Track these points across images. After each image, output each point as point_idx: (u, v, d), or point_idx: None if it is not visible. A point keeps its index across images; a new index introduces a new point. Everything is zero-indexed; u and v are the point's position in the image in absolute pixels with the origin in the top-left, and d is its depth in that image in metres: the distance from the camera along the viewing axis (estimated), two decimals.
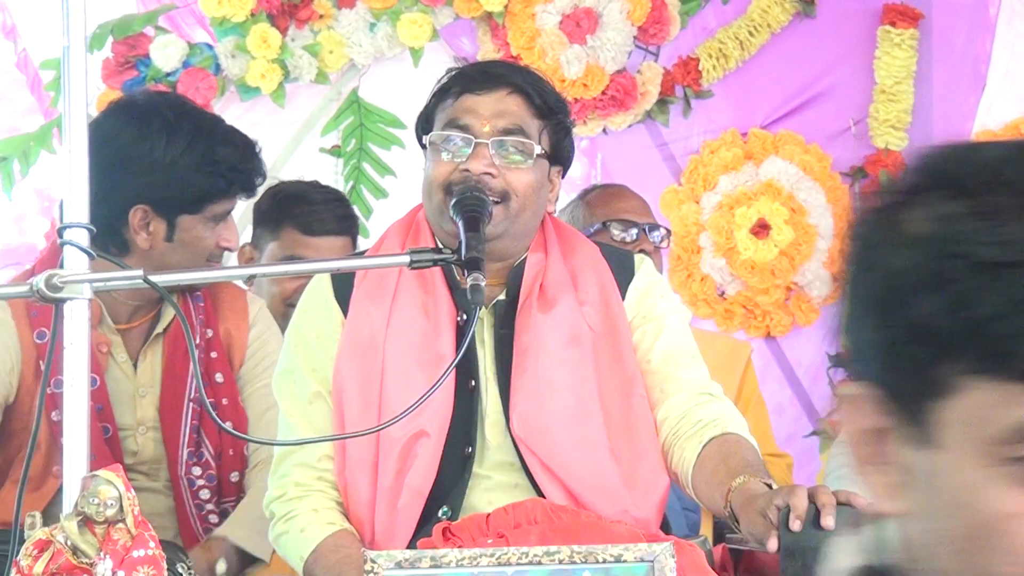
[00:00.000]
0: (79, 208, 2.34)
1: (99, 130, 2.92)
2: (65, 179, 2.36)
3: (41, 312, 3.08)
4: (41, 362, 3.07)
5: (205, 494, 3.16)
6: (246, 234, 4.01)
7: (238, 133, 3.22)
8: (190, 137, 3.06)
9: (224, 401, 3.21)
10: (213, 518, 3.18)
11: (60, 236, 2.32)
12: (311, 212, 3.87)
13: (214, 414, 2.65)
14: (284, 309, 3.85)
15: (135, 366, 3.18)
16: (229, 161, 3.10)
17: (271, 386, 2.93)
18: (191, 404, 3.15)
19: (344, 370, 2.76)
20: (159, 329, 3.18)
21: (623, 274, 2.85)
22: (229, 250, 3.23)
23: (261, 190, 3.39)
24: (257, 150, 3.21)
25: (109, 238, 2.96)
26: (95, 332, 2.32)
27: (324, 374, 2.79)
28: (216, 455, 3.18)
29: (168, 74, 4.77)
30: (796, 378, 5.06)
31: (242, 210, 3.83)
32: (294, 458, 2.78)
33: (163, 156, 3.03)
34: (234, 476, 3.20)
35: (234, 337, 3.25)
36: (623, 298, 2.82)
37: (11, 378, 3.08)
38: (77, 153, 2.34)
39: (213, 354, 3.22)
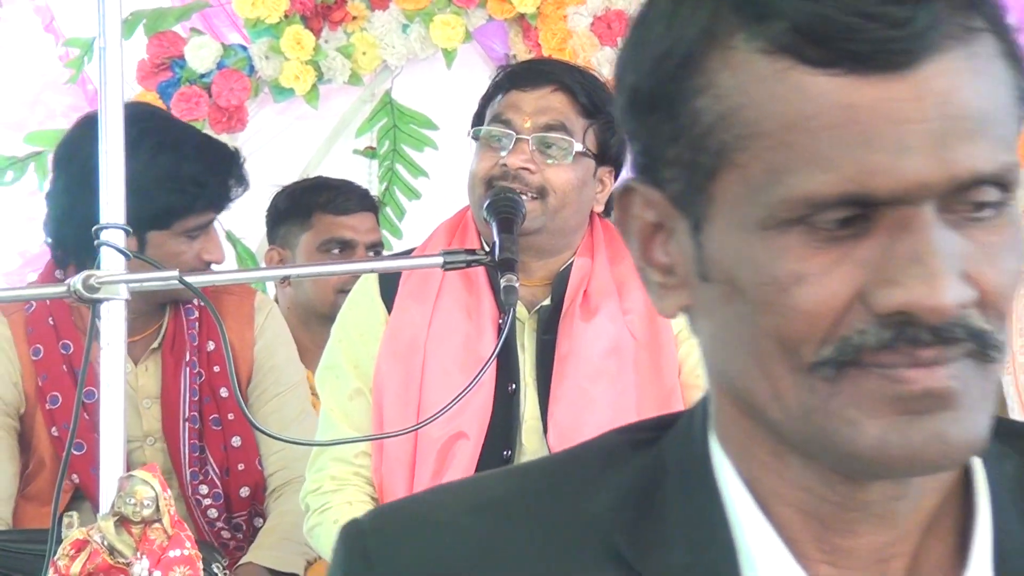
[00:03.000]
0: (115, 208, 2.34)
1: (66, 147, 2.92)
2: (101, 179, 2.36)
3: (37, 329, 3.08)
4: (39, 378, 3.06)
5: (213, 513, 3.14)
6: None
7: (211, 147, 3.17)
8: (152, 152, 3.01)
9: (230, 416, 3.17)
10: (225, 533, 3.16)
11: (97, 237, 2.32)
12: (337, 194, 3.92)
13: (252, 418, 2.62)
14: (335, 298, 3.85)
15: (136, 376, 3.16)
16: (194, 175, 3.05)
17: (286, 399, 2.95)
18: (187, 423, 3.12)
19: (385, 368, 2.76)
20: (156, 343, 3.16)
21: None
22: (213, 263, 3.17)
23: (261, 195, 3.34)
24: (237, 161, 3.16)
25: (85, 254, 2.81)
26: (96, 345, 2.31)
27: (366, 371, 2.80)
28: (223, 471, 3.15)
29: (202, 75, 4.77)
30: None
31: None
32: (331, 453, 2.80)
33: (125, 171, 3.00)
34: (244, 491, 3.17)
35: (238, 349, 3.19)
36: None
37: (18, 389, 3.08)
38: (112, 153, 2.34)
39: (216, 368, 3.18)
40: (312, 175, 4.54)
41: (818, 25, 0.91)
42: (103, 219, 2.33)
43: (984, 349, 0.93)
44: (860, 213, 0.92)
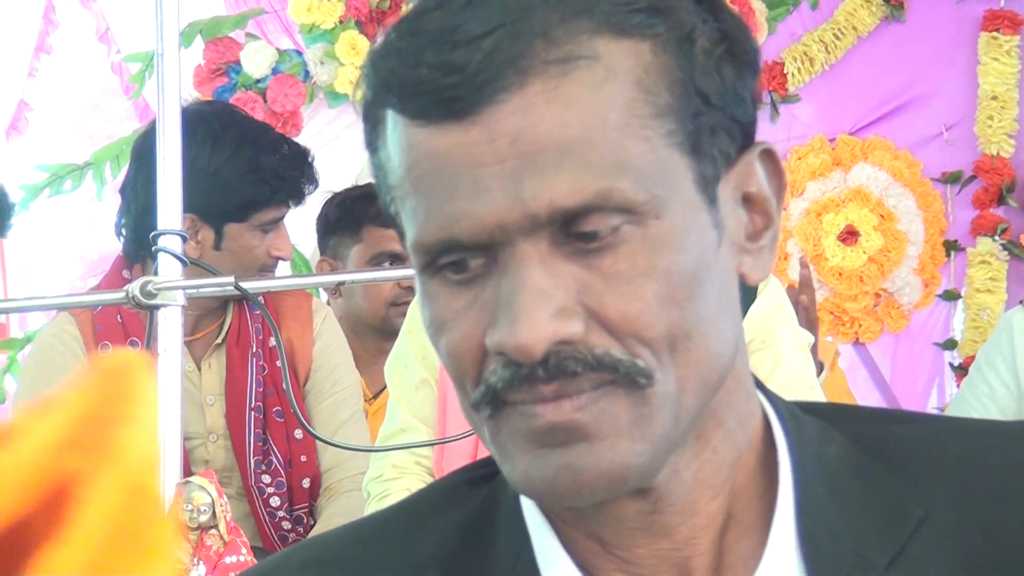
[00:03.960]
0: (172, 215, 2.35)
1: (146, 141, 2.94)
2: (159, 186, 2.37)
3: (105, 327, 3.11)
4: None
5: (275, 501, 3.16)
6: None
7: (287, 142, 3.22)
8: (235, 145, 3.06)
9: (291, 409, 3.21)
10: (286, 524, 3.18)
11: (154, 243, 2.33)
12: None
13: (301, 417, 2.66)
14: (386, 311, 3.87)
15: (200, 374, 3.19)
16: (274, 169, 3.10)
17: (340, 400, 2.97)
18: (253, 413, 3.15)
19: None
20: (219, 339, 3.19)
21: (744, 292, 2.82)
22: (282, 259, 3.21)
23: (315, 202, 3.37)
24: (309, 159, 3.20)
25: None
26: (155, 344, 2.33)
27: (433, 361, 2.82)
28: (286, 462, 3.18)
29: (258, 81, 4.80)
30: (886, 384, 5.01)
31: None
32: (396, 441, 2.83)
33: (208, 164, 3.03)
34: (305, 482, 3.19)
35: (297, 348, 3.23)
36: (742, 318, 2.78)
37: None
38: (170, 160, 2.36)
39: (277, 362, 3.22)
40: (366, 180, 4.55)
41: (394, 81, 0.94)
42: (160, 225, 2.34)
43: (624, 377, 0.93)
44: (483, 257, 0.94)
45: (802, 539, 1.01)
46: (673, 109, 0.94)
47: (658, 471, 0.97)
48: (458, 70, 0.91)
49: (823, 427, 1.06)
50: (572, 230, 0.92)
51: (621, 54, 0.93)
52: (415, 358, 2.86)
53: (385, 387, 3.96)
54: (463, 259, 0.94)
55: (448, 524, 1.07)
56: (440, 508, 1.09)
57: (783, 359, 2.74)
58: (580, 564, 1.03)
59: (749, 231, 1.01)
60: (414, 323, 2.90)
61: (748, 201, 1.01)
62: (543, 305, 0.91)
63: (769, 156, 1.01)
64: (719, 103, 0.96)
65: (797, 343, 2.81)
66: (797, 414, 1.07)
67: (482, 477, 1.08)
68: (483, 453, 2.72)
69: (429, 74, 0.92)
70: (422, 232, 0.95)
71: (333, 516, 3.13)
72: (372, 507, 2.84)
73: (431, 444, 2.81)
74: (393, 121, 0.96)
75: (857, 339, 4.99)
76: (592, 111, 0.92)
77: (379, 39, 0.97)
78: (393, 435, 2.85)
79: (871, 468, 1.04)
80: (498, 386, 0.94)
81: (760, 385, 1.07)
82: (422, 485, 2.81)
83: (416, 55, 0.93)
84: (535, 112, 0.91)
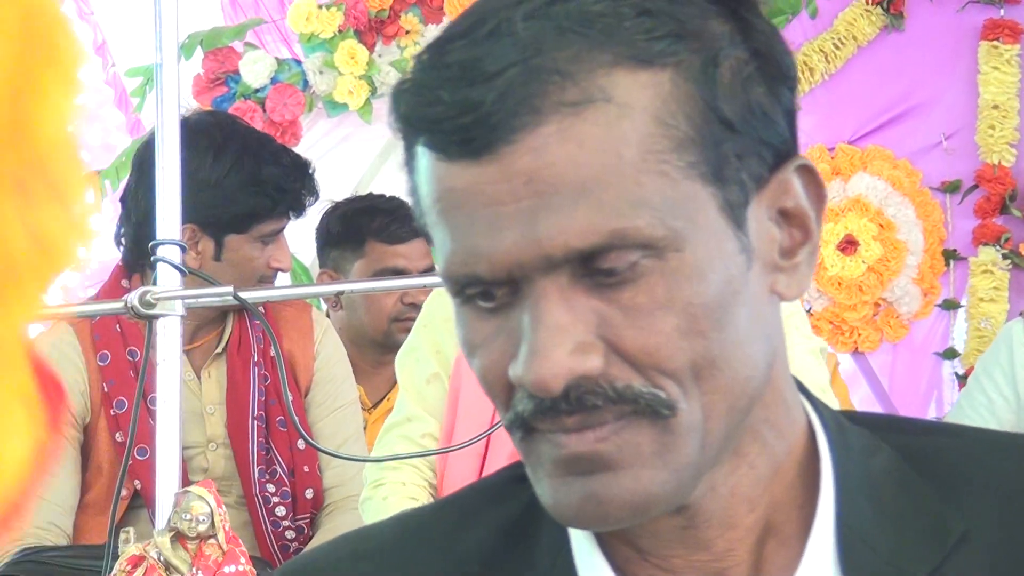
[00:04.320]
0: (171, 224, 2.35)
1: (147, 151, 2.94)
2: (157, 196, 2.37)
3: (104, 336, 3.10)
4: (105, 384, 3.09)
5: (281, 511, 3.16)
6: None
7: (288, 153, 3.22)
8: (236, 156, 3.06)
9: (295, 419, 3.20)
10: (290, 534, 3.18)
11: (153, 253, 2.33)
12: (391, 222, 3.88)
13: (301, 429, 2.66)
14: (388, 326, 3.87)
15: (200, 383, 3.18)
16: (275, 180, 3.09)
17: (343, 416, 2.96)
18: (256, 422, 3.15)
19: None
20: (220, 348, 3.18)
21: None
22: (282, 270, 3.21)
23: (314, 211, 3.37)
24: (310, 171, 3.20)
25: None
26: (154, 353, 2.33)
27: (446, 356, 2.82)
28: (289, 471, 3.17)
29: (257, 90, 4.80)
30: (885, 393, 5.00)
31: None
32: (399, 430, 2.84)
33: (209, 175, 3.03)
34: (308, 493, 3.19)
35: (298, 359, 3.23)
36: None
37: (84, 399, 3.10)
38: (169, 169, 2.35)
39: (278, 372, 3.21)
40: (366, 190, 4.55)
41: (414, 117, 0.95)
42: (159, 235, 2.34)
43: (647, 408, 0.93)
44: (508, 287, 0.94)
45: (840, 550, 1.01)
46: (693, 140, 0.93)
47: (686, 496, 0.98)
48: (473, 109, 0.92)
49: (870, 438, 1.06)
50: (591, 266, 0.92)
51: (638, 88, 0.92)
52: (429, 352, 2.87)
53: (384, 397, 3.96)
54: (488, 289, 0.95)
55: (492, 521, 1.09)
56: (486, 505, 1.10)
57: (795, 365, 2.74)
58: (617, 569, 1.03)
59: (785, 247, 1.00)
60: (429, 318, 2.91)
61: (784, 216, 1.00)
62: (561, 342, 0.92)
63: (807, 170, 1.00)
64: (745, 128, 0.95)
65: (809, 349, 2.81)
66: (843, 424, 1.07)
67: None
68: (494, 459, 2.70)
69: (445, 112, 0.93)
70: (448, 265, 0.96)
71: (333, 530, 3.12)
72: (366, 493, 2.85)
73: (431, 454, 2.80)
74: (421, 151, 0.97)
75: (856, 348, 4.99)
76: (607, 150, 0.91)
77: (411, 63, 0.97)
78: (399, 424, 2.86)
79: (915, 481, 1.04)
80: (525, 414, 0.95)
81: (806, 393, 1.07)
82: (419, 480, 2.81)
83: (434, 91, 0.93)
84: (549, 152, 0.91)
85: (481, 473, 2.74)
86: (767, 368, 0.99)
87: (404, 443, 2.83)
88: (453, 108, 0.92)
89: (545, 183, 0.91)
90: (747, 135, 0.95)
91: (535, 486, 0.99)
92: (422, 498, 2.77)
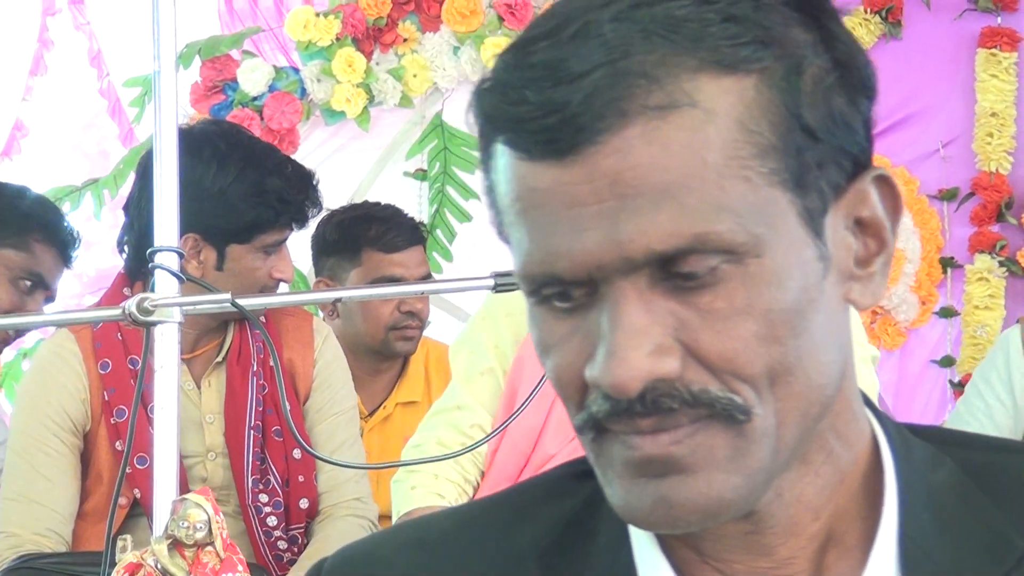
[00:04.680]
0: (169, 231, 2.34)
1: (151, 159, 2.95)
2: (155, 203, 2.36)
3: (105, 344, 3.10)
4: (105, 392, 3.09)
5: (272, 521, 3.15)
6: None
7: (292, 164, 3.21)
8: (240, 166, 3.05)
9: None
10: (282, 544, 3.17)
11: (151, 260, 2.33)
12: (387, 230, 3.88)
13: (299, 437, 2.65)
14: (385, 335, 3.87)
15: (199, 393, 3.18)
16: (279, 191, 3.08)
17: (339, 421, 2.96)
18: (252, 432, 3.14)
19: (527, 357, 2.78)
20: (220, 357, 3.18)
21: None
22: (284, 281, 3.20)
23: (314, 222, 3.37)
24: (313, 182, 3.19)
25: None
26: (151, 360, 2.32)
27: (504, 352, 2.83)
28: (283, 482, 3.17)
29: (255, 98, 4.80)
30: (883, 401, 5.01)
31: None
32: (448, 416, 2.84)
33: (212, 185, 3.02)
34: (303, 503, 3.18)
35: (298, 367, 3.23)
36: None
37: (85, 407, 3.10)
38: (167, 176, 2.35)
39: (277, 382, 3.21)
40: (363, 198, 4.54)
41: (498, 116, 0.95)
42: (157, 242, 2.34)
43: (722, 412, 0.94)
44: (586, 287, 0.94)
45: (903, 563, 1.01)
46: (776, 147, 0.93)
47: (756, 502, 0.98)
48: (558, 109, 0.92)
49: (933, 452, 1.06)
50: (670, 269, 0.93)
51: (723, 94, 0.92)
52: (487, 346, 2.88)
53: (380, 405, 3.96)
54: (566, 289, 0.95)
55: (550, 516, 1.09)
56: (544, 499, 1.10)
57: None
58: (677, 570, 1.04)
59: (860, 256, 1.00)
60: (488, 311, 2.92)
61: (860, 225, 1.00)
62: (639, 344, 0.92)
63: (884, 181, 1.01)
64: (826, 136, 0.95)
65: (862, 356, 2.82)
66: (907, 437, 1.07)
67: (588, 472, 1.08)
68: (536, 460, 2.65)
69: (530, 112, 0.93)
70: (526, 264, 0.96)
71: (326, 539, 3.12)
72: (399, 475, 2.87)
73: (436, 460, 2.79)
74: (501, 150, 0.97)
75: None
76: (691, 154, 0.91)
77: (493, 63, 0.97)
78: (448, 410, 2.88)
79: (978, 497, 1.04)
80: (599, 415, 0.95)
81: (871, 405, 1.07)
82: (452, 474, 2.81)
83: (519, 91, 0.93)
84: (634, 154, 0.91)
85: (522, 472, 2.75)
86: (839, 377, 1.00)
87: (449, 431, 2.84)
88: (538, 108, 0.92)
89: (628, 185, 0.91)
90: (828, 144, 0.95)
91: (605, 487, 0.99)
92: (450, 495, 2.77)
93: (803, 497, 1.01)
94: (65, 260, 3.60)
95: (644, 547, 1.04)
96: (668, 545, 1.04)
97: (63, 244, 3.57)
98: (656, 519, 0.96)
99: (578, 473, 1.09)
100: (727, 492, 0.95)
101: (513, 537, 1.08)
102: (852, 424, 1.03)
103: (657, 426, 0.94)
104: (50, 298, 3.60)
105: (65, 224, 3.62)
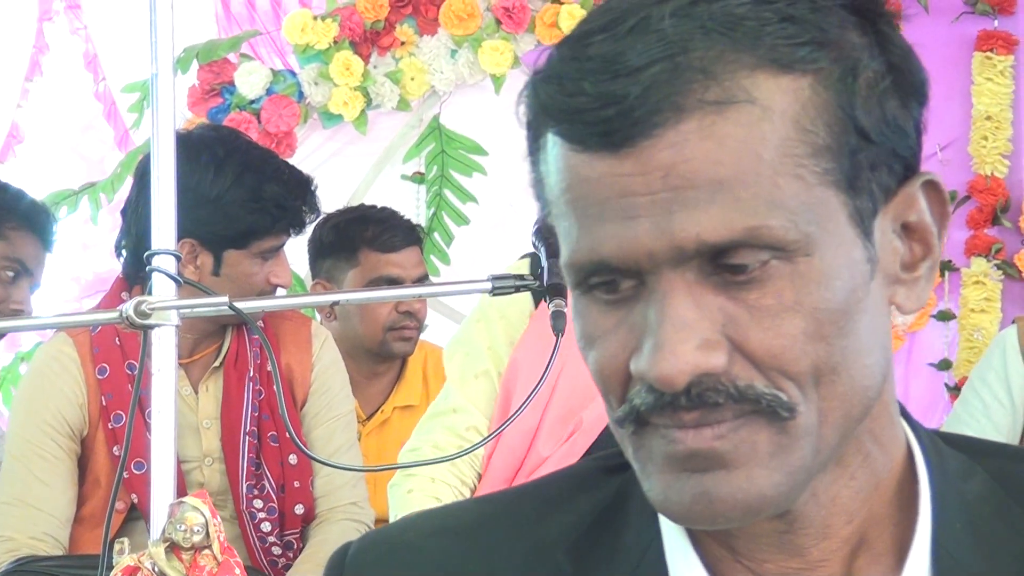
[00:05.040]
0: (166, 235, 2.34)
1: (148, 163, 2.95)
2: (152, 206, 2.36)
3: (103, 349, 3.10)
4: (103, 398, 3.09)
5: (266, 527, 3.15)
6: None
7: (290, 170, 3.20)
8: (237, 172, 3.04)
9: (286, 434, 3.19)
10: (276, 550, 3.17)
11: (148, 263, 2.32)
12: (384, 230, 3.88)
13: (298, 440, 2.65)
14: (383, 336, 3.87)
15: (197, 398, 3.18)
16: (276, 198, 3.08)
17: (336, 426, 2.96)
18: (247, 437, 3.14)
19: (522, 360, 2.78)
20: (217, 362, 3.18)
21: None
22: (281, 286, 3.20)
23: (311, 227, 3.37)
24: (311, 187, 3.19)
25: None
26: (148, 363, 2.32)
27: (499, 354, 2.82)
28: (279, 487, 3.16)
29: (252, 101, 4.80)
30: None
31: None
32: (444, 419, 2.83)
33: (210, 191, 3.02)
34: (298, 509, 3.18)
35: (296, 372, 3.23)
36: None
37: (83, 412, 3.10)
38: (164, 180, 2.35)
39: (274, 387, 3.20)
40: (360, 201, 4.54)
41: (553, 107, 0.96)
42: (154, 245, 2.33)
43: (767, 409, 0.94)
44: (633, 279, 0.95)
45: (936, 572, 1.01)
46: (830, 148, 0.94)
47: (795, 500, 0.98)
48: (616, 102, 0.93)
49: (965, 461, 1.07)
50: (720, 262, 0.93)
51: (779, 92, 0.93)
52: (481, 348, 2.87)
53: (378, 409, 3.96)
54: (614, 280, 0.96)
55: (579, 509, 1.09)
56: (573, 492, 1.11)
57: None
58: (708, 567, 1.04)
59: (906, 261, 1.01)
60: (482, 313, 2.91)
61: (907, 230, 1.01)
62: (687, 337, 0.93)
63: (932, 186, 1.01)
64: (879, 139, 0.96)
65: None
66: (940, 446, 1.07)
67: (617, 466, 1.08)
68: (534, 457, 2.65)
69: (588, 103, 0.94)
70: (574, 252, 0.97)
71: (321, 543, 3.12)
72: (395, 479, 2.86)
73: (433, 463, 2.78)
74: (552, 141, 0.98)
75: None
76: (746, 150, 0.92)
77: (546, 56, 0.98)
78: (444, 413, 2.87)
79: (1011, 507, 1.05)
80: (641, 408, 0.95)
81: (905, 413, 1.07)
82: (450, 477, 2.80)
83: (577, 83, 0.94)
84: (689, 148, 0.92)
85: (516, 476, 2.74)
86: (881, 380, 1.00)
87: (446, 434, 2.84)
88: (596, 100, 0.93)
89: (682, 178, 0.92)
90: (881, 146, 0.96)
91: (643, 481, 0.99)
92: (447, 499, 2.77)
93: (838, 499, 1.01)
94: (45, 244, 3.59)
95: (675, 542, 1.05)
96: (699, 541, 1.04)
97: (40, 227, 3.56)
98: (695, 514, 0.96)
99: (609, 467, 1.10)
100: (768, 489, 0.95)
101: (542, 528, 1.09)
102: (889, 429, 1.03)
103: (700, 420, 0.94)
104: (35, 284, 3.59)
105: (39, 206, 3.60)
